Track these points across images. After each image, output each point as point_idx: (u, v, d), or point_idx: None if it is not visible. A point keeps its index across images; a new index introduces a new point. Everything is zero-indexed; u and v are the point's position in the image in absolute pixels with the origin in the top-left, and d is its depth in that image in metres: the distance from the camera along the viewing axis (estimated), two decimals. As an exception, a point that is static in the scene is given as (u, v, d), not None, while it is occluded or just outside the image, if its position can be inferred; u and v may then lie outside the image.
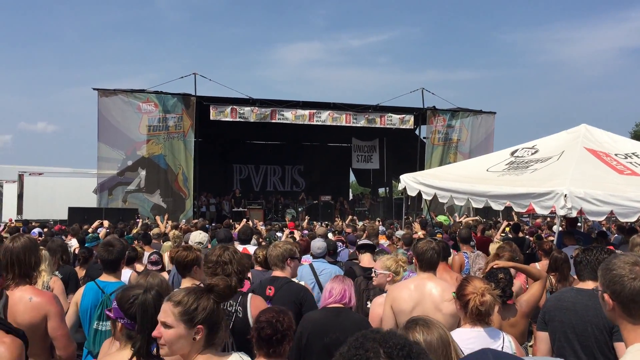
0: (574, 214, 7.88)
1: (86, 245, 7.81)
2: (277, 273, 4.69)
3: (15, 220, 18.42)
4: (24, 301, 3.52)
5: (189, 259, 4.37)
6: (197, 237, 6.95)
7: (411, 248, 6.93)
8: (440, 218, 15.16)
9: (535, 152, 9.69)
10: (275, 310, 3.01)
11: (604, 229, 13.73)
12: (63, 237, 10.34)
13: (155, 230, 10.54)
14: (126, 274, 5.70)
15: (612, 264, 2.21)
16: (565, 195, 7.42)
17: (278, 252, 4.67)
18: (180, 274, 4.54)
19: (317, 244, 6.52)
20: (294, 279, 4.88)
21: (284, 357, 2.91)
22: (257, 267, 5.88)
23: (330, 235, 9.73)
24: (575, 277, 6.00)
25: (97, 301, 4.39)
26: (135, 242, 8.66)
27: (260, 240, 9.41)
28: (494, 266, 4.21)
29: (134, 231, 11.23)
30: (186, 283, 4.50)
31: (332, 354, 3.45)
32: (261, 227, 13.75)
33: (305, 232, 10.88)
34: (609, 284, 2.18)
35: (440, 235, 8.26)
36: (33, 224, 15.15)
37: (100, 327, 4.28)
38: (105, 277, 4.60)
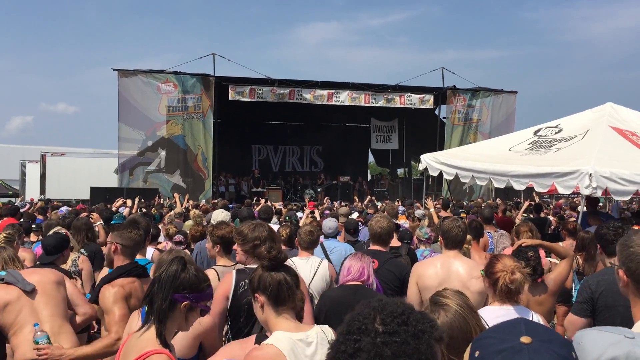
0: (599, 193, 7.77)
1: (112, 222, 7.90)
2: (378, 247, 4.89)
3: (38, 200, 18.66)
4: (39, 269, 3.99)
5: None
6: (219, 215, 6.96)
7: (437, 226, 6.92)
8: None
9: (559, 131, 9.55)
10: None
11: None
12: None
13: (176, 210, 10.61)
14: (149, 252, 5.74)
15: (630, 241, 2.19)
16: (590, 175, 7.31)
17: (385, 226, 4.88)
18: (226, 252, 4.52)
19: (328, 224, 6.51)
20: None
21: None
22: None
23: (353, 215, 9.71)
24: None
25: (123, 278, 4.42)
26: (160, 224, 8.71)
27: (281, 219, 9.42)
28: (522, 244, 4.17)
29: (153, 212, 11.31)
30: (221, 262, 4.48)
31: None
32: (279, 207, 13.79)
33: (327, 212, 10.87)
34: (625, 261, 2.17)
35: (465, 215, 8.20)
36: (55, 203, 15.34)
37: (127, 304, 4.34)
38: (130, 255, 4.62)
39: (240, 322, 3.54)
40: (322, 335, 2.48)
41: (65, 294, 3.72)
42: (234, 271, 3.81)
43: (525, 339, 1.27)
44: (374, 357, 1.22)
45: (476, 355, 1.35)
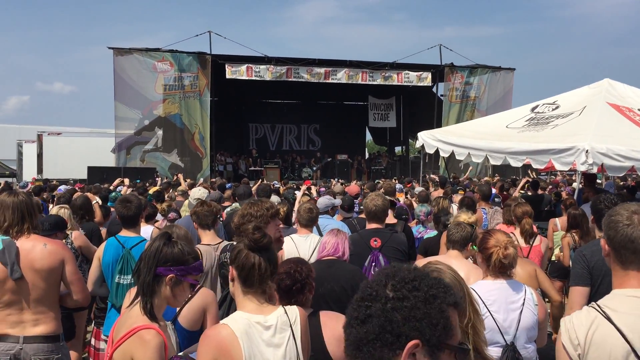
0: (595, 169, 7.77)
1: (109, 204, 7.90)
2: (376, 225, 4.94)
3: (36, 180, 18.65)
4: (39, 248, 3.58)
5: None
6: (197, 193, 7.04)
7: (434, 205, 6.95)
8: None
9: (556, 107, 9.51)
10: (293, 261, 3.03)
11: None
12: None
13: (181, 188, 10.75)
14: (147, 230, 5.75)
15: (614, 210, 2.20)
16: (587, 151, 7.29)
17: (379, 204, 4.94)
18: (205, 228, 4.65)
19: (321, 201, 6.55)
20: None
21: (307, 306, 2.92)
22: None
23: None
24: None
25: (118, 256, 4.45)
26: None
27: (282, 198, 9.45)
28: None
29: (153, 190, 11.33)
30: (206, 240, 4.59)
31: (328, 303, 3.50)
32: (277, 186, 13.82)
33: (323, 189, 10.89)
34: (606, 229, 2.18)
35: (463, 192, 8.21)
36: (55, 182, 15.33)
37: (122, 281, 4.37)
38: (124, 233, 4.64)
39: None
40: (284, 319, 2.44)
41: (58, 279, 3.63)
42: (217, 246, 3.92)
43: None
44: (384, 322, 1.24)
45: None
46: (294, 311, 2.50)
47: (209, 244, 4.48)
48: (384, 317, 1.25)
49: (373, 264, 4.62)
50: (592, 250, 3.73)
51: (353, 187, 10.13)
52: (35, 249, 3.56)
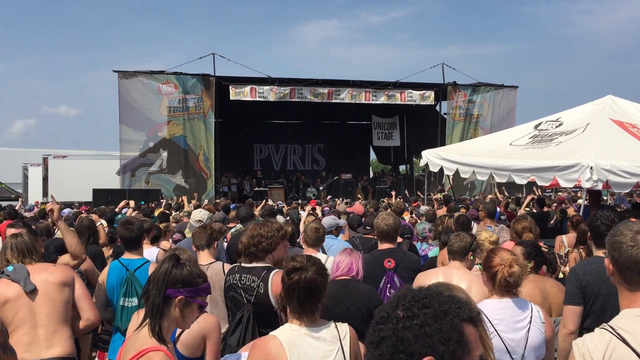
0: (600, 186, 7.74)
1: (114, 225, 7.92)
2: (388, 245, 4.88)
3: (41, 203, 18.69)
4: (49, 265, 3.85)
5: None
6: (197, 215, 7.07)
7: (437, 223, 6.92)
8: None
9: (560, 124, 9.51)
10: None
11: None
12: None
13: (186, 209, 10.79)
14: (152, 252, 5.75)
15: (617, 230, 2.19)
16: (591, 168, 7.28)
17: (391, 223, 4.88)
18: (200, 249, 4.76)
19: (326, 221, 6.53)
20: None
21: None
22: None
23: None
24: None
25: (122, 278, 4.44)
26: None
27: (287, 217, 9.44)
28: None
29: (157, 212, 11.37)
30: (201, 260, 4.63)
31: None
32: (281, 206, 13.83)
33: (327, 209, 10.88)
34: (610, 249, 2.18)
35: (464, 210, 8.18)
36: (60, 205, 15.34)
37: (127, 304, 4.36)
38: (128, 255, 4.64)
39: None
40: (333, 333, 2.53)
41: (69, 296, 3.70)
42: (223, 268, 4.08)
43: None
44: (396, 342, 1.25)
45: None
46: (345, 328, 2.60)
47: (202, 264, 4.50)
48: (396, 337, 1.26)
49: (388, 285, 4.57)
50: (584, 269, 3.70)
51: (357, 206, 10.12)
52: (45, 267, 3.77)
